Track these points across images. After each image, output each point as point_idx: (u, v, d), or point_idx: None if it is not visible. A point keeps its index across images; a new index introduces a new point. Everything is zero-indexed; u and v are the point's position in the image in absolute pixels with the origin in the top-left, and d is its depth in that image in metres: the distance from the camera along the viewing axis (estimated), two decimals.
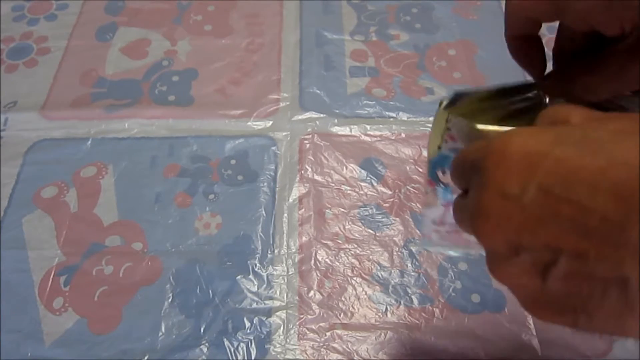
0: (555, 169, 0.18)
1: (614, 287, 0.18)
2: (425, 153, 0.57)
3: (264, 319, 0.47)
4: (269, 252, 0.51)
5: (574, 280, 0.19)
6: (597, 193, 0.17)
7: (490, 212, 0.20)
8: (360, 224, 0.53)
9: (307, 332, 0.47)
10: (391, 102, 0.62)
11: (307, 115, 0.61)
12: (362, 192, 0.55)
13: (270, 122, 0.60)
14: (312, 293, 0.49)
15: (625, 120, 0.18)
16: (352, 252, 0.51)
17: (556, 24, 0.30)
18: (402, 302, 0.48)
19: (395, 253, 0.51)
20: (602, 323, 0.19)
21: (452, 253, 0.41)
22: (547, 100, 0.31)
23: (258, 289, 0.49)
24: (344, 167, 0.57)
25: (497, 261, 0.21)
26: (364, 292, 0.49)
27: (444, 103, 0.31)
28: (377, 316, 0.47)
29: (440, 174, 0.35)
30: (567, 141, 0.19)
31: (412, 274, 0.50)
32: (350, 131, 0.60)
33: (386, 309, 0.48)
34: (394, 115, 0.61)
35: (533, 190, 0.19)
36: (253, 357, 0.45)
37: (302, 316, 0.48)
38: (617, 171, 0.17)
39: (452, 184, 0.32)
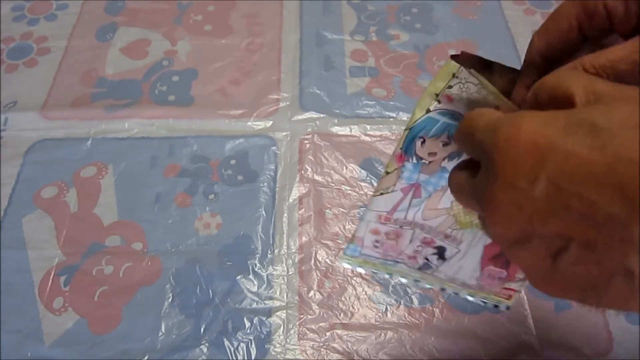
0: (564, 163, 0.19)
1: (620, 274, 0.19)
2: None
3: (264, 319, 0.47)
4: (269, 252, 0.51)
5: (583, 265, 0.19)
6: (604, 190, 0.18)
7: (501, 202, 0.20)
8: None
9: (307, 332, 0.47)
10: (391, 102, 0.62)
11: (307, 115, 0.61)
12: (362, 192, 0.55)
13: (270, 122, 0.60)
14: (312, 293, 0.49)
15: (630, 108, 0.19)
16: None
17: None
18: (402, 302, 0.48)
19: None
20: (609, 302, 0.20)
21: (376, 273, 0.38)
22: None
23: (258, 289, 0.49)
24: (344, 167, 0.57)
25: (509, 245, 0.22)
26: (364, 292, 0.49)
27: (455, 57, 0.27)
28: (377, 316, 0.47)
29: (418, 144, 0.30)
30: (576, 132, 0.19)
31: None
32: (350, 131, 0.60)
33: (386, 309, 0.48)
34: (394, 115, 0.61)
35: (543, 184, 0.19)
36: (253, 357, 0.45)
37: (302, 316, 0.48)
38: (623, 168, 0.17)
39: (427, 159, 0.31)
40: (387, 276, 0.35)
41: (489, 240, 0.33)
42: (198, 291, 0.49)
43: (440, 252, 0.35)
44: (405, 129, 0.29)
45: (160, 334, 0.47)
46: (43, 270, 0.50)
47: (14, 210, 0.54)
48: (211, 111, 0.61)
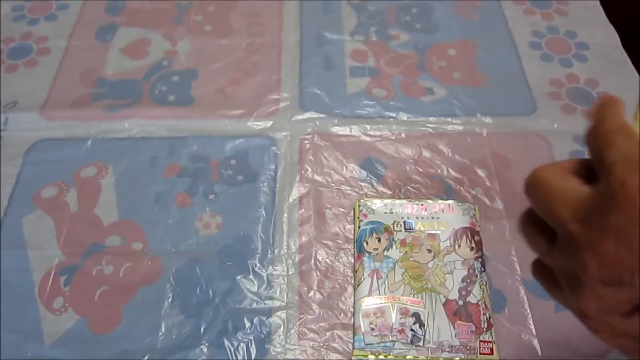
0: None
1: None
2: (425, 153, 0.57)
3: (264, 319, 0.47)
4: (269, 252, 0.51)
5: None
6: None
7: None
8: None
9: (307, 332, 0.47)
10: (391, 102, 0.62)
11: (307, 115, 0.61)
12: (362, 192, 0.55)
13: (270, 122, 0.60)
14: (312, 293, 0.49)
15: None
16: (352, 252, 0.51)
17: None
18: None
19: None
20: None
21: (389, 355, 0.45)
22: None
23: (258, 289, 0.49)
24: (344, 167, 0.57)
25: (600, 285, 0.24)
26: None
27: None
28: None
29: (364, 244, 0.49)
30: None
31: None
32: (350, 131, 0.60)
33: None
34: (394, 115, 0.61)
35: None
36: (253, 357, 0.45)
37: (302, 316, 0.48)
38: None
39: (373, 252, 0.48)
40: None
41: (443, 299, 0.46)
42: (198, 291, 0.49)
43: (418, 318, 0.45)
44: (354, 242, 0.50)
45: (160, 334, 0.47)
46: (43, 270, 0.50)
47: (14, 210, 0.54)
48: (211, 111, 0.61)
